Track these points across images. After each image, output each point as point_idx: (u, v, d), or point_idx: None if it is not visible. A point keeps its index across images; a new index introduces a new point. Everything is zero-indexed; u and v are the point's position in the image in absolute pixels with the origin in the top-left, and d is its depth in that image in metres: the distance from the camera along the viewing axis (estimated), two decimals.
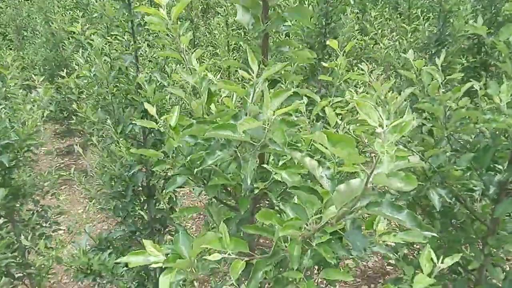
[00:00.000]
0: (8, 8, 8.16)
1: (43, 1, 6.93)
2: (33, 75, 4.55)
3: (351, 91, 1.85)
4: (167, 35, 2.18)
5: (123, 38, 3.05)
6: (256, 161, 1.22)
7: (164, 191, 2.88)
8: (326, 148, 0.89)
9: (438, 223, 2.04)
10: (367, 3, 6.74)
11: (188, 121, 1.59)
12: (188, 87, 1.81)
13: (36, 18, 7.13)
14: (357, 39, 4.95)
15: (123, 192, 2.88)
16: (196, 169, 1.33)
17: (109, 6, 2.84)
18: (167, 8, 2.11)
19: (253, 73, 1.29)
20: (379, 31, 5.58)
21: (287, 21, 1.71)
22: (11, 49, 7.83)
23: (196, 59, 2.21)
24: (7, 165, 3.32)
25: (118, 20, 2.80)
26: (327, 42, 1.86)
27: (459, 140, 2.01)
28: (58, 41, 6.48)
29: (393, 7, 7.56)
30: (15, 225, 3.70)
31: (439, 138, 2.01)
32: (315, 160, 1.07)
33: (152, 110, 1.53)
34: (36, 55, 6.85)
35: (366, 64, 2.39)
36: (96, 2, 2.89)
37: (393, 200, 1.65)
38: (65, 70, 4.37)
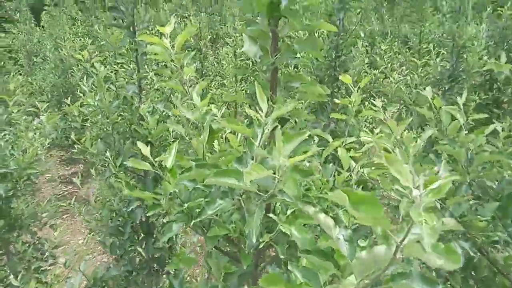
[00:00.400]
0: (20, 33, 8.18)
1: (54, 28, 6.91)
2: (37, 102, 4.45)
3: (366, 131, 1.69)
4: (170, 65, 2.07)
5: (129, 66, 2.94)
6: (263, 213, 1.05)
7: (163, 228, 2.71)
8: (347, 210, 0.72)
9: (459, 277, 1.84)
10: (376, 37, 6.66)
11: (187, 161, 1.43)
12: (189, 122, 1.66)
13: (46, 44, 7.12)
14: (366, 73, 4.83)
15: (121, 228, 2.71)
16: (194, 220, 1.16)
17: (116, 34, 2.73)
18: (171, 37, 1.99)
19: (262, 112, 1.13)
20: (389, 65, 5.47)
21: (297, 54, 1.57)
22: (21, 74, 7.81)
23: (202, 90, 2.07)
24: (3, 195, 3.17)
25: (124, 48, 2.69)
26: (340, 77, 1.71)
27: (482, 186, 1.83)
28: (67, 67, 6.43)
29: (402, 41, 7.49)
30: (10, 257, 3.52)
31: (460, 184, 1.84)
32: (330, 217, 0.90)
33: (146, 150, 1.37)
34: (45, 81, 6.79)
35: (379, 100, 2.25)
36: (100, 30, 2.78)
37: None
38: (70, 97, 4.26)
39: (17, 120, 4.06)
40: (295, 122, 1.54)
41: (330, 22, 4.20)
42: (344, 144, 1.75)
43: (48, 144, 4.52)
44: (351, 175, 1.54)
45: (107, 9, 2.95)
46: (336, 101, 2.11)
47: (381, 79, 5.19)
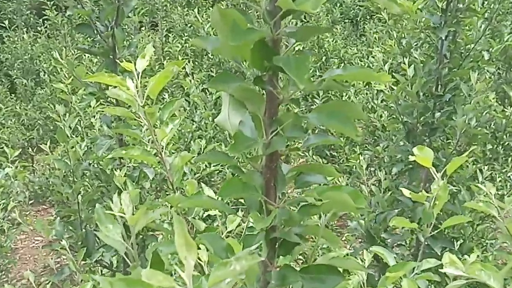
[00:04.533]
0: (17, 44, 8.52)
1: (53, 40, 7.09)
2: (6, 148, 4.40)
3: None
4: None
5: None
6: None
7: None
8: None
9: None
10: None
11: None
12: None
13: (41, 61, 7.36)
14: (495, 118, 4.32)
15: None
16: None
17: (81, 68, 2.53)
18: (141, 79, 1.74)
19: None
20: None
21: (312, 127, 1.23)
22: (15, 98, 8.05)
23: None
24: None
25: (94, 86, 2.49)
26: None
27: None
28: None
29: None
30: None
31: None
32: None
33: None
34: (37, 112, 6.93)
35: (491, 186, 1.84)
36: (61, 56, 2.60)
37: None
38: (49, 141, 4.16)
39: None
40: None
41: (431, 43, 3.84)
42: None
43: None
44: None
45: (75, 28, 2.78)
46: (406, 193, 1.75)
47: None
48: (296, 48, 1.22)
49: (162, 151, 1.83)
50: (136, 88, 1.72)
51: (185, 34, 7.48)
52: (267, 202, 1.21)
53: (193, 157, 1.71)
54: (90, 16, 2.56)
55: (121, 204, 1.42)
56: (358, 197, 1.18)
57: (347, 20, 9.50)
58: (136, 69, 1.70)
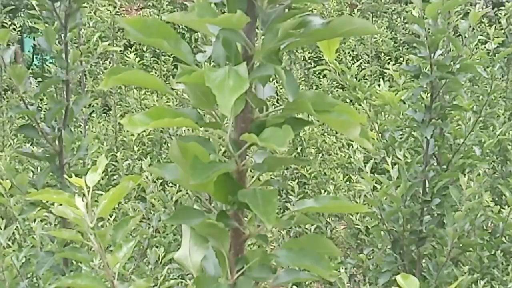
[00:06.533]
0: None
1: None
2: None
3: None
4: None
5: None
6: None
7: None
8: None
9: None
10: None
11: None
12: None
13: None
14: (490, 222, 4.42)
15: None
16: None
17: (22, 175, 2.57)
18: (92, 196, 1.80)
19: None
20: None
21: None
22: None
23: None
24: None
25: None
26: None
27: None
28: None
29: None
30: None
31: None
32: None
33: None
34: None
35: None
36: None
37: None
38: None
39: None
40: None
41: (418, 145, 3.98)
42: None
43: None
44: None
45: (17, 130, 2.86)
46: None
47: None
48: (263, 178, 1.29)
49: (114, 278, 1.86)
50: (86, 207, 1.77)
51: None
52: None
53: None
54: (34, 116, 2.63)
55: None
56: None
57: None
58: (86, 185, 1.76)
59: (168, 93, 1.20)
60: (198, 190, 1.26)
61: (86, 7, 4.14)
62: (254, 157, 1.27)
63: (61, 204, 1.75)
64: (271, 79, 1.23)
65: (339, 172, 6.45)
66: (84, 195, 1.73)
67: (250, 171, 1.30)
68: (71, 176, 1.89)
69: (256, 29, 1.24)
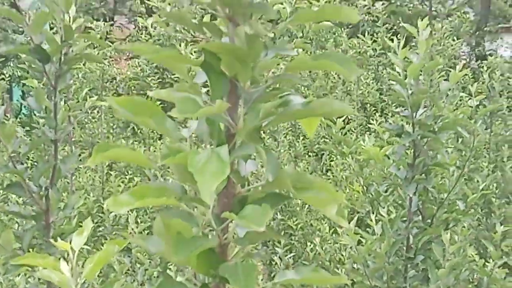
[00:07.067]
0: None
1: None
2: None
3: None
4: None
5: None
6: None
7: None
8: None
9: None
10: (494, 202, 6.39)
11: None
12: None
13: None
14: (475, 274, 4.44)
15: None
16: None
17: (8, 232, 2.59)
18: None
19: None
20: None
21: None
22: None
23: None
24: None
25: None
26: None
27: None
28: None
29: None
30: None
31: None
32: None
33: None
34: None
35: None
36: None
37: None
38: None
39: None
40: None
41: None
42: None
43: None
44: None
45: (5, 189, 2.90)
46: None
47: None
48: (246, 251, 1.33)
49: None
50: (71, 271, 1.79)
51: (129, 172, 7.49)
52: None
53: None
54: (22, 175, 2.65)
55: None
56: None
57: (311, 154, 9.76)
58: (72, 249, 1.79)
59: (153, 168, 1.25)
60: (181, 264, 1.30)
61: (76, 68, 4.21)
62: (237, 230, 1.32)
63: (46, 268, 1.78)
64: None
65: (325, 223, 6.43)
66: (69, 258, 1.76)
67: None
68: (56, 239, 1.91)
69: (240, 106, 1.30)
